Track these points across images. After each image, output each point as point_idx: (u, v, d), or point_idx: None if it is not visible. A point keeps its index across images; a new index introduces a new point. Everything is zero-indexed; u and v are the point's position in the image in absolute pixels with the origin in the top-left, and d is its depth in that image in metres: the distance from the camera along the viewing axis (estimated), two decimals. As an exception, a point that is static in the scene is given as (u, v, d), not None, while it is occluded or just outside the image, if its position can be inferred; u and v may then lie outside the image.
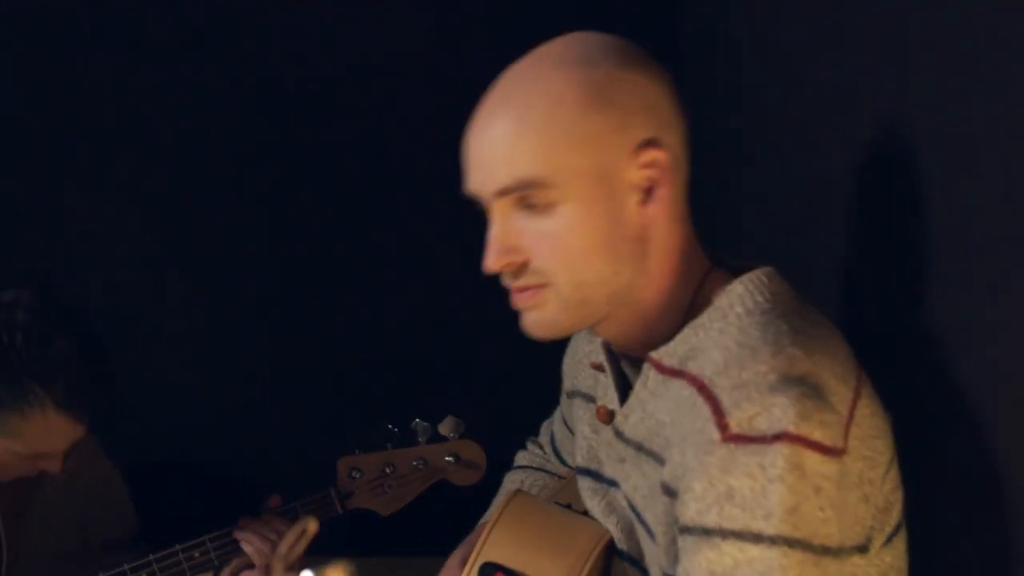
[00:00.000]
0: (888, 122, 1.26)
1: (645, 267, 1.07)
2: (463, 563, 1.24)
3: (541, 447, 1.57)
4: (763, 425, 0.94)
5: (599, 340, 1.20)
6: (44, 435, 1.53)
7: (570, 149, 1.02)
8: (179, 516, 1.89)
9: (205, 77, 2.13)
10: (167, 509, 1.90)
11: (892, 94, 1.25)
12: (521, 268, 1.06)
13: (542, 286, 1.06)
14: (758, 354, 0.99)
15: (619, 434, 1.16)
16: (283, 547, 1.62)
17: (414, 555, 1.95)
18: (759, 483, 0.93)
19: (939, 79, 1.13)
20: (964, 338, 1.08)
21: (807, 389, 0.95)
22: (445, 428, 1.69)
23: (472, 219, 1.11)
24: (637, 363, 1.14)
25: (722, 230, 1.69)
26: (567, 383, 1.38)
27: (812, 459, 0.93)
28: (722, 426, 0.96)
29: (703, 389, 1.00)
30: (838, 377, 0.99)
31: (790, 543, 0.92)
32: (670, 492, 1.02)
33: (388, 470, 1.72)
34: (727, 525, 0.94)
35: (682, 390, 1.04)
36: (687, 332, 1.07)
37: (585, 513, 1.26)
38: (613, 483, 1.19)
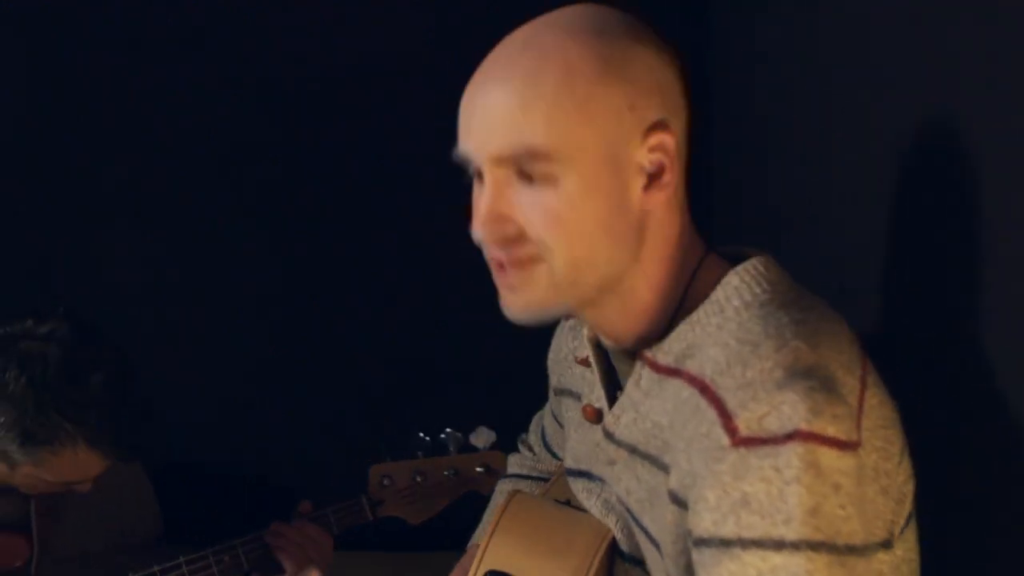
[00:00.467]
0: (889, 122, 1.26)
1: (639, 256, 1.02)
2: (465, 573, 1.22)
3: (531, 448, 1.53)
4: (773, 425, 0.89)
5: (584, 335, 1.15)
6: (74, 468, 1.53)
7: (581, 122, 0.97)
8: (180, 516, 1.90)
9: (205, 77, 2.13)
10: (169, 510, 1.90)
11: (892, 93, 1.25)
12: (513, 240, 1.00)
13: (533, 260, 1.00)
14: (760, 349, 0.94)
15: (609, 435, 1.11)
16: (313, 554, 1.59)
17: (419, 551, 1.96)
18: (775, 487, 0.88)
19: (939, 79, 1.13)
20: (969, 329, 1.07)
21: (815, 383, 0.91)
22: (478, 439, 1.69)
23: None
24: (626, 357, 1.09)
25: (723, 224, 1.69)
26: (553, 380, 1.33)
27: (828, 456, 0.88)
28: (730, 429, 0.91)
29: (706, 390, 0.96)
30: (844, 367, 0.95)
31: (814, 546, 0.87)
32: (679, 502, 0.97)
33: (419, 479, 1.71)
34: (746, 534, 0.89)
35: (681, 390, 1.00)
36: (683, 328, 1.02)
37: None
38: (604, 483, 1.16)
